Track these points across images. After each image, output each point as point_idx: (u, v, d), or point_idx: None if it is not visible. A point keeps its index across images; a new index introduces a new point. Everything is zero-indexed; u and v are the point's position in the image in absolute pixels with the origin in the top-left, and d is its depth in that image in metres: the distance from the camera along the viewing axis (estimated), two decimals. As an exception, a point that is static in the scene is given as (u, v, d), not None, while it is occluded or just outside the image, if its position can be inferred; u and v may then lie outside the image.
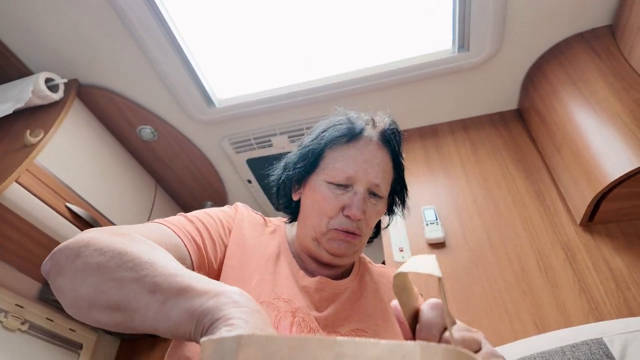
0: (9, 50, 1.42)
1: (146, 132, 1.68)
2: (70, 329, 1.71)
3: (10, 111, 1.28)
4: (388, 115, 0.75)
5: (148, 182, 1.85)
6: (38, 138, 1.27)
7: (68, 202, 1.36)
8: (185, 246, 0.59)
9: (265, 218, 0.79)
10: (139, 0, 1.24)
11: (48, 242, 1.38)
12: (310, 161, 0.70)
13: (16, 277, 1.57)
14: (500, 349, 0.92)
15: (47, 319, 1.62)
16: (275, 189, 0.79)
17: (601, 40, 1.29)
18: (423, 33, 1.40)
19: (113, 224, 1.54)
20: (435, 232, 1.28)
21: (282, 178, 0.75)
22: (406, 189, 0.78)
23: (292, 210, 0.78)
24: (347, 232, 0.67)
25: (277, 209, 0.82)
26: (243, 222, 0.73)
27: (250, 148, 1.76)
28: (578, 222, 1.21)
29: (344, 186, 0.67)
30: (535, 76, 1.43)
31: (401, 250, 1.30)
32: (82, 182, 1.44)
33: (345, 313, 0.69)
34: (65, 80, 1.44)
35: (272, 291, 0.65)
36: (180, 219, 0.64)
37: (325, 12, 1.35)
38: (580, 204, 1.18)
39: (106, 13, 1.29)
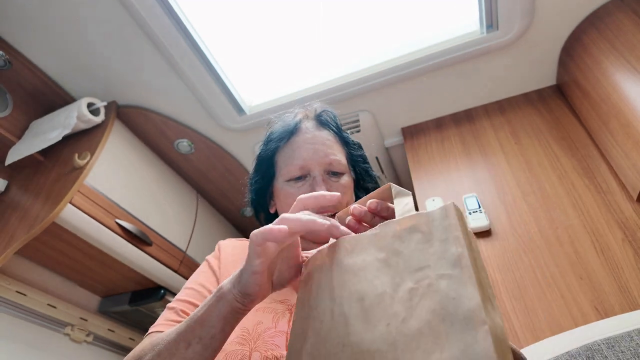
0: (53, 80, 1.51)
1: (183, 145, 1.74)
2: (130, 338, 1.81)
3: (60, 137, 1.37)
4: (317, 102, 0.80)
5: (189, 193, 1.91)
6: (86, 160, 1.34)
7: (117, 218, 1.43)
8: None
9: None
10: (167, 21, 1.28)
11: (103, 257, 1.46)
12: (265, 169, 0.75)
13: (77, 292, 1.67)
14: (560, 337, 0.88)
15: (108, 329, 1.72)
16: (252, 210, 0.82)
17: (644, 2, 1.20)
18: (449, 17, 1.37)
19: (161, 236, 1.60)
20: (479, 221, 1.24)
21: (251, 195, 0.80)
22: (365, 159, 0.80)
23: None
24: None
25: None
26: (227, 261, 0.74)
27: (283, 151, 1.78)
28: (635, 197, 1.13)
29: (302, 178, 0.70)
30: (573, 48, 1.36)
31: (444, 241, 1.27)
32: (128, 198, 1.51)
33: None
34: (105, 103, 1.51)
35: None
36: (166, 314, 0.68)
37: (349, 7, 1.34)
38: (636, 179, 1.11)
39: (137, 37, 1.35)
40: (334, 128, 0.75)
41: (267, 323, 0.62)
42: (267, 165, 0.75)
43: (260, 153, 0.78)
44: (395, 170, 1.90)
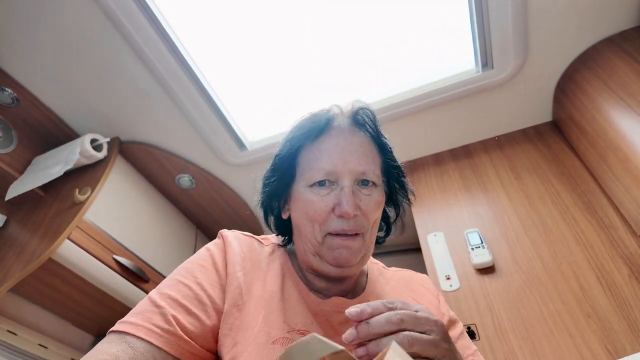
0: (58, 117, 1.54)
1: (184, 180, 1.75)
2: (122, 381, 1.72)
3: (62, 173, 1.37)
4: (356, 99, 0.69)
5: (188, 228, 1.90)
6: (86, 195, 1.34)
7: (115, 254, 1.41)
8: (156, 347, 0.52)
9: (259, 238, 0.72)
10: (171, 59, 1.32)
11: (98, 295, 1.42)
12: (284, 169, 0.65)
13: (70, 331, 1.62)
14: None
15: (100, 371, 1.64)
16: (262, 211, 0.71)
17: (633, 42, 1.25)
18: (445, 56, 1.41)
19: (158, 272, 1.57)
20: (482, 257, 1.22)
21: (263, 197, 0.69)
22: (401, 171, 0.70)
23: (285, 231, 0.71)
24: (346, 236, 0.60)
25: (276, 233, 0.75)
26: (235, 259, 0.64)
27: (283, 186, 1.78)
28: (638, 232, 1.13)
29: (328, 184, 0.60)
30: (567, 86, 1.39)
31: (448, 279, 1.25)
32: (127, 233, 1.50)
33: None
34: (108, 139, 1.53)
35: (283, 324, 0.58)
36: (149, 313, 0.55)
37: (347, 46, 1.39)
38: (638, 214, 1.10)
39: (141, 74, 1.38)
40: (371, 131, 0.65)
41: None
42: (287, 164, 0.65)
43: (281, 150, 0.67)
44: (396, 205, 1.89)
